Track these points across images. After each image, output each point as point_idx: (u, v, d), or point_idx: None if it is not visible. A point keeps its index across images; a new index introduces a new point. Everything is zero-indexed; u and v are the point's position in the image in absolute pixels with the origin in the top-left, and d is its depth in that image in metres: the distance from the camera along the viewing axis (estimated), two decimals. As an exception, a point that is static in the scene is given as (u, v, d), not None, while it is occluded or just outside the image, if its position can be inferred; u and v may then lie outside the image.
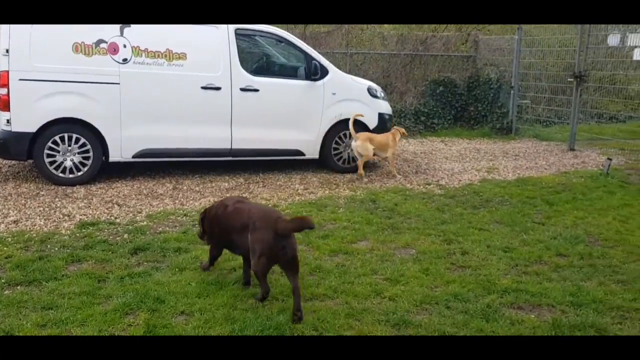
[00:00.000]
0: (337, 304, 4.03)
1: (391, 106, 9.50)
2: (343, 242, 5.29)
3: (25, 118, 6.73)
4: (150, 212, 6.06)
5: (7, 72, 6.62)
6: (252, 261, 3.86)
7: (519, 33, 12.42)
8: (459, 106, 13.42)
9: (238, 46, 7.57)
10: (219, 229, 4.23)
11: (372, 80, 10.00)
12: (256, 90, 7.59)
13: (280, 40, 8.05)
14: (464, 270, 4.73)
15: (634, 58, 11.06)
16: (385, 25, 16.32)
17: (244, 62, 7.67)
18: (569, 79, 11.30)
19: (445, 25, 14.89)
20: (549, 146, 11.30)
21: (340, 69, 8.99)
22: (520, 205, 6.77)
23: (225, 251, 4.43)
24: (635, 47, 10.93)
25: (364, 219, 5.99)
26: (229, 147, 7.59)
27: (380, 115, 8.42)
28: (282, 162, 8.37)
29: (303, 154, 8.05)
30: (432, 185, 7.73)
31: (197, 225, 5.00)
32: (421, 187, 7.65)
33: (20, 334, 3.45)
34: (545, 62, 12.51)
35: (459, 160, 9.64)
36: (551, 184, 7.88)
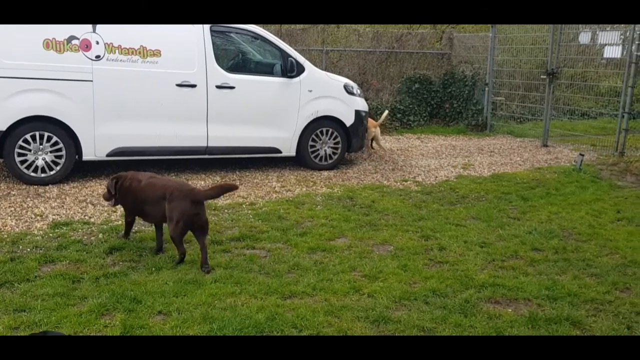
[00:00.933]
0: (316, 301, 4.03)
1: (367, 103, 9.52)
2: (321, 239, 5.28)
3: (-6, 116, 6.57)
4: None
5: (-25, 69, 6.45)
6: (170, 227, 4.48)
7: (492, 31, 12.55)
8: (435, 103, 13.51)
9: (213, 43, 7.50)
10: (133, 200, 4.79)
11: (348, 77, 10.00)
12: (232, 88, 7.53)
13: (256, 37, 7.99)
14: (442, 266, 4.76)
15: (605, 55, 11.27)
16: (361, 22, 16.38)
17: (220, 59, 7.60)
18: (541, 76, 11.47)
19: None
20: (523, 142, 11.45)
21: (316, 66, 8.96)
22: (495, 201, 6.85)
23: (192, 253, 4.41)
24: (606, 45, 11.14)
25: (341, 216, 5.99)
26: (205, 145, 7.52)
27: (357, 112, 8.42)
28: (259, 160, 8.33)
29: (280, 152, 8.02)
30: (409, 182, 7.77)
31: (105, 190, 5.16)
32: (398, 183, 7.68)
33: (-8, 338, 3.36)
34: (518, 60, 12.68)
35: (435, 157, 9.71)
36: (526, 180, 7.99)
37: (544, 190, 7.40)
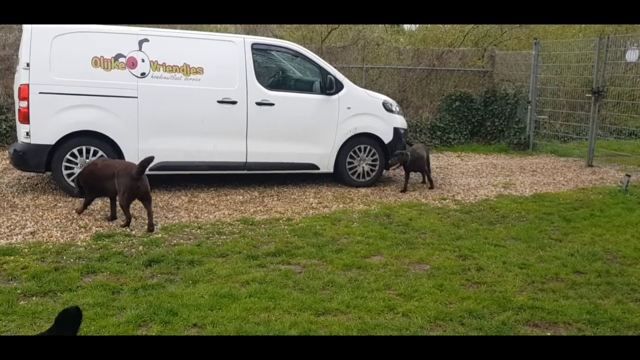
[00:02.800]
0: (350, 319, 4.01)
1: (407, 121, 9.50)
2: (356, 256, 5.26)
3: (44, 131, 6.84)
4: (165, 225, 6.09)
5: (28, 85, 6.74)
6: (119, 197, 5.90)
7: (536, 48, 12.37)
8: (476, 121, 13.36)
9: (254, 60, 7.64)
10: (94, 179, 6.08)
11: (388, 95, 10.01)
12: (271, 104, 7.64)
13: (296, 55, 8.11)
14: (479, 287, 4.67)
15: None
16: (401, 39, 16.39)
17: (260, 77, 7.73)
18: (587, 95, 11.21)
19: (462, 40, 14.91)
20: (566, 162, 11.18)
21: (356, 83, 9.02)
22: (537, 221, 6.69)
23: (227, 267, 4.44)
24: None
25: (378, 234, 5.96)
26: (244, 160, 7.63)
27: (396, 130, 8.41)
28: (297, 176, 8.39)
29: (317, 168, 8.06)
30: (447, 200, 7.68)
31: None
32: (436, 202, 7.60)
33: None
34: (562, 78, 12.43)
35: (475, 176, 9.57)
36: (569, 200, 7.79)
37: (587, 211, 7.19)
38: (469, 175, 9.63)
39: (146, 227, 5.89)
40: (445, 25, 16.76)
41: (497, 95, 13.32)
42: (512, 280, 4.79)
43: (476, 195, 8.04)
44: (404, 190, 8.09)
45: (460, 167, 10.43)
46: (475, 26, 15.37)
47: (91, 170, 6.17)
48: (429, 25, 17.25)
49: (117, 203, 6.14)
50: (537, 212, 7.10)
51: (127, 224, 5.91)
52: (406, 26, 20.84)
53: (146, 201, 5.96)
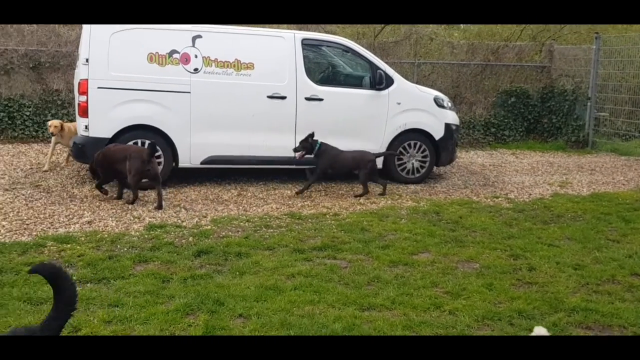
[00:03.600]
0: (395, 315, 3.97)
1: (459, 117, 9.32)
2: (403, 253, 5.21)
3: (102, 124, 7.08)
4: (215, 217, 6.20)
5: (87, 80, 7.00)
6: (129, 177, 6.44)
7: (596, 43, 11.88)
8: (532, 118, 12.96)
9: (304, 56, 7.67)
10: (107, 162, 6.56)
11: (440, 90, 9.84)
12: (321, 100, 7.65)
13: (346, 50, 8.08)
14: (530, 287, 4.54)
15: None
16: (455, 34, 16.07)
17: (310, 72, 7.75)
18: (651, 91, 10.68)
19: (519, 35, 14.48)
20: (628, 161, 10.70)
21: (407, 79, 8.91)
22: (594, 221, 6.44)
23: (274, 260, 4.47)
24: None
25: (426, 231, 5.88)
26: (293, 155, 7.67)
27: (447, 126, 8.26)
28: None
29: (367, 164, 7.99)
30: (500, 199, 7.49)
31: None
32: (488, 200, 7.43)
33: (87, 329, 3.60)
34: (625, 73, 11.88)
35: (530, 174, 9.30)
36: (628, 200, 7.45)
37: (649, 212, 6.86)
38: (523, 173, 9.36)
39: (196, 219, 6.02)
40: (502, 20, 16.33)
41: (555, 91, 12.88)
42: (565, 281, 4.62)
43: (530, 194, 7.81)
44: (299, 192, 7.24)
45: (514, 164, 10.15)
46: (533, 20, 14.89)
47: (105, 154, 6.60)
48: (484, 19, 16.83)
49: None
50: (595, 212, 6.83)
51: (134, 201, 6.54)
52: (461, 21, 20.46)
53: (155, 182, 6.55)
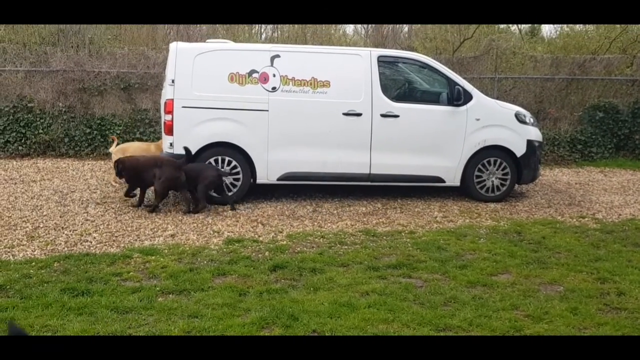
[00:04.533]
0: (472, 337, 3.84)
1: (544, 133, 8.97)
2: (482, 273, 5.05)
3: (185, 142, 7.38)
4: (290, 232, 6.29)
5: (172, 100, 7.35)
6: (157, 183, 6.85)
7: (696, 53, 11.10)
8: (622, 134, 12.26)
9: (380, 73, 7.67)
10: (135, 169, 7.01)
11: (522, 106, 9.54)
12: (396, 116, 7.61)
13: (423, 66, 8.01)
14: (619, 313, 4.26)
15: None
16: (539, 48, 15.54)
17: (385, 89, 7.74)
18: None
19: (607, 47, 13.80)
20: None
21: (487, 95, 8.70)
22: (692, 244, 5.97)
23: (345, 283, 4.45)
24: None
25: (506, 251, 5.68)
26: (368, 172, 7.66)
27: (529, 142, 7.96)
28: (421, 189, 8.24)
29: (443, 181, 7.86)
30: (586, 219, 7.12)
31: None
32: (574, 220, 7.08)
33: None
34: None
35: (620, 193, 8.78)
36: None
37: None
38: (612, 192, 8.86)
39: (272, 234, 6.14)
40: (589, 32, 15.64)
41: (647, 105, 12.13)
42: (659, 309, 4.31)
43: (620, 214, 7.37)
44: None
45: (602, 183, 9.62)
46: (623, 31, 14.16)
47: (135, 160, 7.12)
48: (570, 32, 16.20)
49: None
50: (694, 234, 6.34)
51: (154, 210, 6.91)
52: (545, 34, 19.78)
53: (183, 189, 6.98)
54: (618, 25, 14.25)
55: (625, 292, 4.65)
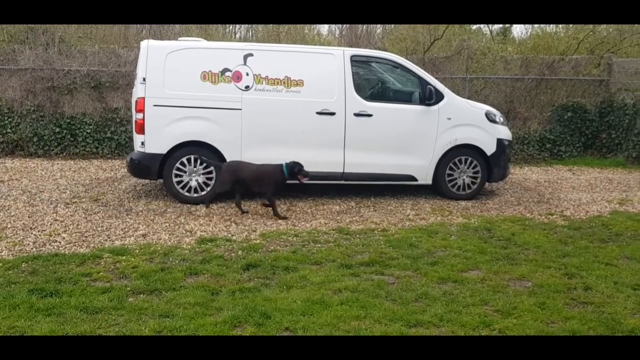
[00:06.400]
0: (442, 332, 3.90)
1: (514, 132, 9.12)
2: (453, 270, 5.12)
3: (157, 141, 7.32)
4: (264, 231, 6.28)
5: (144, 98, 7.28)
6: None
7: (659, 54, 11.41)
8: (590, 133, 12.55)
9: (353, 72, 7.71)
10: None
11: (493, 105, 9.68)
12: (369, 116, 7.65)
13: (396, 66, 8.07)
14: (586, 307, 4.37)
15: None
16: (509, 48, 15.80)
17: (359, 88, 7.78)
18: None
19: (576, 48, 14.10)
20: (695, 177, 10.17)
21: (458, 94, 8.81)
22: (656, 240, 6.15)
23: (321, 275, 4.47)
24: None
25: (476, 248, 5.76)
26: (342, 171, 7.69)
27: (499, 141, 8.09)
28: (394, 187, 8.32)
29: (416, 180, 7.94)
30: (555, 216, 7.26)
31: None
32: (542, 217, 7.21)
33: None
34: (691, 86, 11.36)
35: (587, 191, 8.98)
36: (695, 219, 7.07)
37: None
38: (580, 190, 9.06)
39: (245, 234, 6.13)
40: (558, 33, 15.96)
41: (614, 105, 12.44)
42: (623, 302, 4.43)
43: (587, 211, 7.54)
44: None
45: (571, 181, 9.83)
46: (590, 33, 14.49)
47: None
48: (540, 33, 16.50)
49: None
50: (657, 230, 6.52)
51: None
52: (516, 34, 20.11)
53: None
54: (586, 27, 14.59)
55: (592, 286, 4.76)
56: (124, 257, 5.28)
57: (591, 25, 14.48)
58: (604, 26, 14.94)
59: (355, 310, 4.19)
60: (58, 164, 10.40)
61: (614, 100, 12.51)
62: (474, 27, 18.15)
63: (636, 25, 15.23)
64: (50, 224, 6.35)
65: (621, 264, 5.37)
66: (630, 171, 10.97)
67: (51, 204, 7.28)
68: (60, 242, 5.72)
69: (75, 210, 6.97)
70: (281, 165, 6.95)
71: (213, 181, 7.48)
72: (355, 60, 7.82)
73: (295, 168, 6.92)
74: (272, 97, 7.50)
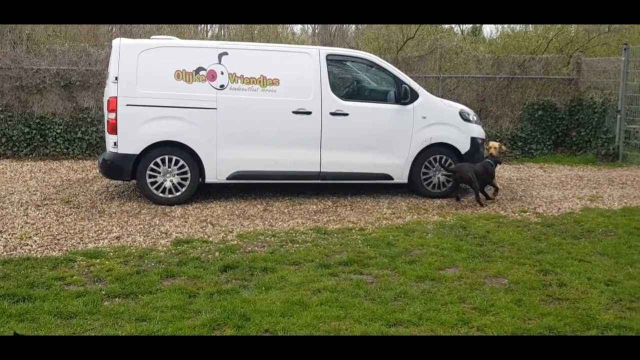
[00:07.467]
0: (422, 331, 3.92)
1: (486, 130, 9.23)
2: (430, 268, 5.16)
3: (130, 141, 7.20)
4: (241, 232, 6.23)
5: (116, 97, 7.15)
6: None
7: (625, 54, 11.69)
8: (560, 131, 12.78)
9: (329, 71, 7.71)
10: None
11: (466, 104, 9.78)
12: (346, 115, 7.66)
13: (371, 65, 8.10)
14: (561, 303, 4.44)
15: None
16: (481, 48, 15.99)
17: (335, 87, 7.78)
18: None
19: (545, 47, 14.34)
20: (661, 174, 10.45)
21: (432, 93, 8.88)
22: (626, 236, 6.29)
23: (299, 275, 4.46)
24: None
25: (453, 246, 5.82)
26: (318, 170, 7.69)
27: (473, 139, 8.19)
28: (370, 186, 8.34)
29: (392, 178, 7.98)
30: (528, 213, 7.38)
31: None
32: (516, 214, 7.32)
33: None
34: (656, 85, 11.65)
35: (559, 188, 9.14)
36: (663, 215, 7.26)
37: (684, 226, 6.68)
38: (552, 187, 9.21)
39: (222, 235, 6.08)
40: (528, 33, 16.20)
41: (583, 103, 12.68)
42: (597, 298, 4.52)
43: (559, 208, 7.67)
44: None
45: (542, 178, 10.00)
46: (560, 32, 14.75)
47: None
48: (510, 32, 16.75)
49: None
50: (627, 226, 6.67)
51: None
52: (486, 34, 20.38)
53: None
54: (555, 26, 14.85)
55: (566, 283, 4.85)
56: (98, 260, 5.18)
57: (560, 25, 14.76)
58: (572, 26, 15.24)
59: (335, 310, 4.18)
60: (28, 165, 10.16)
61: (583, 98, 12.76)
62: (446, 26, 18.33)
63: (602, 24, 15.61)
64: (21, 227, 6.20)
65: (594, 260, 5.47)
66: (600, 168, 11.21)
67: (21, 206, 7.11)
68: (31, 246, 5.59)
69: (47, 213, 6.82)
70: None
71: (188, 182, 7.39)
72: (331, 59, 7.82)
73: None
74: (247, 97, 7.44)
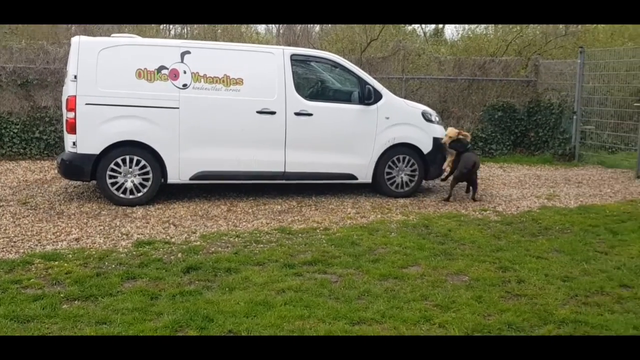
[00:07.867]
0: (385, 328, 3.96)
1: (447, 131, 9.37)
2: (393, 266, 5.21)
3: (90, 141, 7.05)
4: (204, 233, 6.18)
5: (75, 96, 6.98)
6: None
7: (581, 57, 12.06)
8: (519, 132, 13.10)
9: (293, 72, 7.71)
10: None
11: (428, 105, 9.92)
12: (310, 115, 7.68)
13: (335, 65, 8.14)
14: (520, 299, 4.55)
15: None
16: (442, 50, 16.25)
17: (299, 87, 7.79)
18: (635, 104, 10.85)
19: (505, 50, 14.67)
20: (614, 173, 10.81)
21: (395, 94, 8.97)
22: (582, 233, 6.49)
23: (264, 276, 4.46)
24: None
25: (415, 244, 5.89)
26: (283, 170, 7.68)
27: (435, 140, 8.32)
28: (335, 186, 8.38)
29: (356, 178, 8.04)
30: (488, 212, 7.53)
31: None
32: (477, 213, 7.46)
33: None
34: (610, 87, 12.06)
35: (517, 187, 9.36)
36: (616, 213, 7.52)
37: (636, 223, 6.92)
38: (511, 186, 9.43)
39: (185, 235, 6.01)
40: (488, 35, 16.56)
41: (541, 105, 13.04)
42: (554, 293, 4.65)
43: (518, 207, 7.86)
44: None
45: (502, 178, 10.22)
46: (518, 35, 15.11)
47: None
48: (471, 35, 17.07)
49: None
50: (582, 224, 6.88)
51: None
52: (448, 36, 20.72)
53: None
54: (514, 29, 15.22)
55: (525, 279, 4.97)
56: (56, 263, 5.05)
57: (518, 27, 15.13)
58: (530, 28, 15.63)
59: (299, 310, 4.19)
60: (-19, 165, 9.83)
61: (541, 100, 13.11)
62: (409, 28, 18.57)
63: (560, 27, 16.07)
64: (-25, 230, 6.00)
65: (551, 257, 5.62)
66: (557, 168, 11.53)
67: (-25, 208, 6.88)
68: (-15, 249, 5.41)
69: (3, 214, 6.61)
70: None
71: (150, 182, 7.28)
72: (295, 60, 7.82)
73: None
74: (210, 96, 7.38)
